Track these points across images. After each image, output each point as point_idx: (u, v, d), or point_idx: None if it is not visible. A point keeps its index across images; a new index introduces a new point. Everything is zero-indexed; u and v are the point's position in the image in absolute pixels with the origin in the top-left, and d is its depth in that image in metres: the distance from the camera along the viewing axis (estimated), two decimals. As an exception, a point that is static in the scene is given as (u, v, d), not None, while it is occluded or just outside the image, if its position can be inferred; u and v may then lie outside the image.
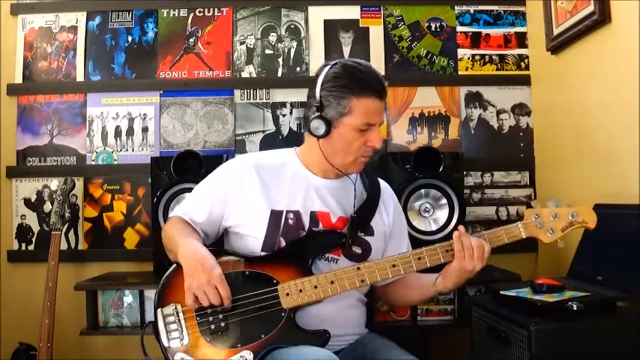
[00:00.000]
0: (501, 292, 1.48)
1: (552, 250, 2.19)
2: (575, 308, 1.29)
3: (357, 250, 1.42)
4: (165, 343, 1.29)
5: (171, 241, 1.39)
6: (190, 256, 1.29)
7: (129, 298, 2.01)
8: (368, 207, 1.47)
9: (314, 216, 1.42)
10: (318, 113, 1.36)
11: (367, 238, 1.45)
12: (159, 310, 1.31)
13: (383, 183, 1.58)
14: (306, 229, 1.40)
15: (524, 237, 1.38)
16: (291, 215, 1.40)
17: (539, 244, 2.33)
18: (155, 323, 1.31)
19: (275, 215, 1.40)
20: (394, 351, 1.37)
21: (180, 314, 1.30)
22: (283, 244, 1.38)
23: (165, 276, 1.35)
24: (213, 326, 1.29)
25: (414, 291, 1.48)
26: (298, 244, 1.38)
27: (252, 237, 1.40)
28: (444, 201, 1.98)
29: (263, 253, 1.38)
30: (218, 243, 1.51)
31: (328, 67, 1.39)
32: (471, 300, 1.68)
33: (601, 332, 1.32)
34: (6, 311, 2.27)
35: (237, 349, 1.27)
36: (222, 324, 1.29)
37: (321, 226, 1.41)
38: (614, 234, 1.57)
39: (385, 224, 1.51)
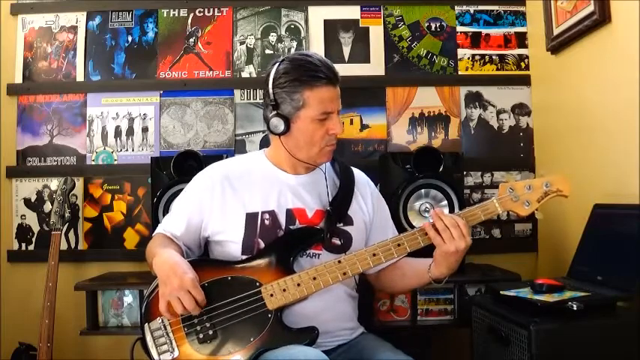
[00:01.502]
0: (501, 292, 1.47)
1: (552, 250, 2.20)
2: (575, 308, 1.29)
3: (337, 241, 1.41)
4: (155, 357, 1.27)
5: (151, 255, 1.39)
6: (163, 264, 1.29)
7: (129, 298, 2.01)
8: (342, 196, 1.46)
9: (290, 213, 1.41)
10: (275, 111, 1.37)
11: (347, 228, 1.44)
12: (146, 325, 1.30)
13: (357, 171, 1.57)
14: (283, 227, 1.40)
15: (500, 212, 1.34)
16: (267, 216, 1.40)
17: (539, 244, 2.34)
18: (143, 339, 1.29)
19: (250, 217, 1.39)
20: (389, 352, 1.36)
21: (168, 327, 1.28)
22: (262, 245, 1.38)
23: (149, 290, 1.34)
24: (201, 335, 1.27)
25: (411, 278, 1.46)
26: (277, 244, 1.37)
27: (231, 242, 1.40)
28: (444, 201, 1.98)
29: (244, 257, 1.38)
30: (204, 255, 1.50)
31: (277, 64, 1.39)
32: (471, 300, 1.68)
33: (601, 332, 1.32)
34: (6, 311, 2.27)
35: (229, 354, 1.26)
36: (211, 332, 1.28)
37: (297, 222, 1.41)
38: (614, 234, 1.58)
39: (364, 213, 1.50)
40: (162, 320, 1.29)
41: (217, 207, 1.42)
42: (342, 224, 1.44)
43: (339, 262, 1.33)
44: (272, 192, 1.43)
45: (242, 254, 1.38)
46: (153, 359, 1.28)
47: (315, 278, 1.31)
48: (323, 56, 1.41)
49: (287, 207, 1.42)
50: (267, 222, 1.40)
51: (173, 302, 1.23)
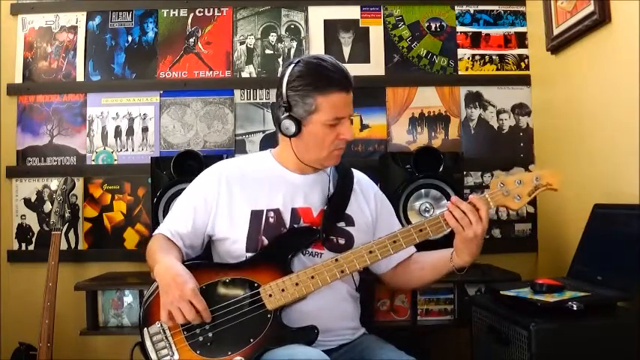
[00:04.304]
0: (501, 292, 1.47)
1: (552, 250, 2.20)
2: (575, 308, 1.29)
3: (341, 240, 1.42)
4: None
5: (152, 258, 1.38)
6: (164, 273, 1.28)
7: (129, 298, 2.01)
8: (339, 196, 1.47)
9: (295, 213, 1.42)
10: (287, 113, 1.37)
11: (348, 228, 1.45)
12: (145, 329, 1.29)
13: (358, 173, 1.57)
14: (287, 226, 1.40)
15: (492, 206, 1.34)
16: (272, 214, 1.41)
17: (539, 244, 2.34)
18: (142, 344, 1.29)
19: (255, 215, 1.40)
20: (391, 352, 1.36)
21: (167, 331, 1.28)
22: (266, 242, 1.39)
23: (147, 295, 1.34)
24: (201, 338, 1.27)
25: (431, 270, 1.46)
26: (274, 245, 1.38)
27: (235, 239, 1.40)
28: (444, 201, 1.98)
29: (248, 254, 1.38)
30: (207, 257, 1.50)
31: (292, 65, 1.38)
32: (471, 300, 1.68)
33: (601, 332, 1.32)
34: (6, 311, 2.27)
35: (229, 356, 1.26)
36: (211, 334, 1.28)
37: (302, 221, 1.42)
38: (614, 234, 1.58)
39: (367, 214, 1.51)
40: (160, 324, 1.29)
41: (224, 203, 1.42)
42: (343, 224, 1.44)
43: (337, 260, 1.34)
44: (278, 191, 1.44)
45: (246, 251, 1.39)
46: None
47: (313, 277, 1.32)
48: (337, 61, 1.39)
49: (292, 206, 1.43)
50: (271, 220, 1.40)
51: (174, 312, 1.23)
